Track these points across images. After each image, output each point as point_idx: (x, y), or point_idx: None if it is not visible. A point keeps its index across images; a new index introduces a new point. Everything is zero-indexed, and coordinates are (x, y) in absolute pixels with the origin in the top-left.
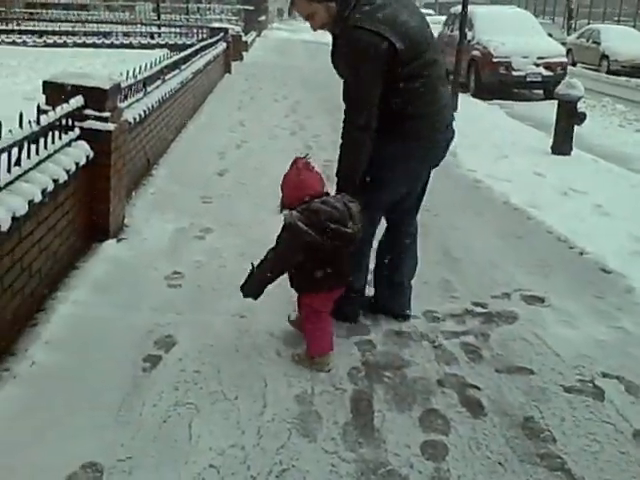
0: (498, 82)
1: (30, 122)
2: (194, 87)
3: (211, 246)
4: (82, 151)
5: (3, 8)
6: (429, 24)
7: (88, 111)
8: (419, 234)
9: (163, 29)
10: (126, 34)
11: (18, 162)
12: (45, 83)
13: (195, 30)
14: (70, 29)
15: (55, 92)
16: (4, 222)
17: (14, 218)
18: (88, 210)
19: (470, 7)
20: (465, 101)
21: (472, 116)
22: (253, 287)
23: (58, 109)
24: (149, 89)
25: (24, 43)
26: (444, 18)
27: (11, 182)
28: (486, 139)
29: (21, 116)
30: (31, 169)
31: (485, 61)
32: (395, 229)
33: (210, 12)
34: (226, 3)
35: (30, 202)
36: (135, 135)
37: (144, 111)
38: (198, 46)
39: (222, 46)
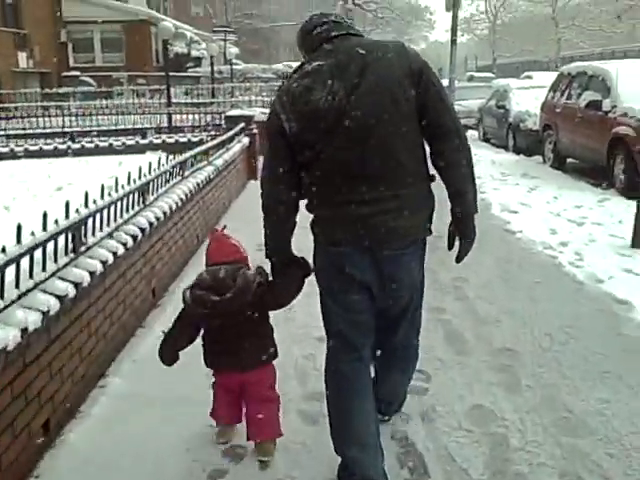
0: None
1: None
2: (173, 232)
3: None
4: None
5: (6, 103)
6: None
7: None
8: None
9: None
10: (139, 130)
11: None
12: None
13: (205, 121)
14: (22, 132)
15: None
16: None
17: None
18: None
19: (598, 64)
20: (620, 208)
21: None
22: (161, 351)
23: None
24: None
25: None
26: (505, 82)
27: None
28: None
29: None
30: None
31: None
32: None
33: (248, 92)
34: (266, 80)
35: None
36: None
37: None
38: (194, 152)
39: (241, 143)
